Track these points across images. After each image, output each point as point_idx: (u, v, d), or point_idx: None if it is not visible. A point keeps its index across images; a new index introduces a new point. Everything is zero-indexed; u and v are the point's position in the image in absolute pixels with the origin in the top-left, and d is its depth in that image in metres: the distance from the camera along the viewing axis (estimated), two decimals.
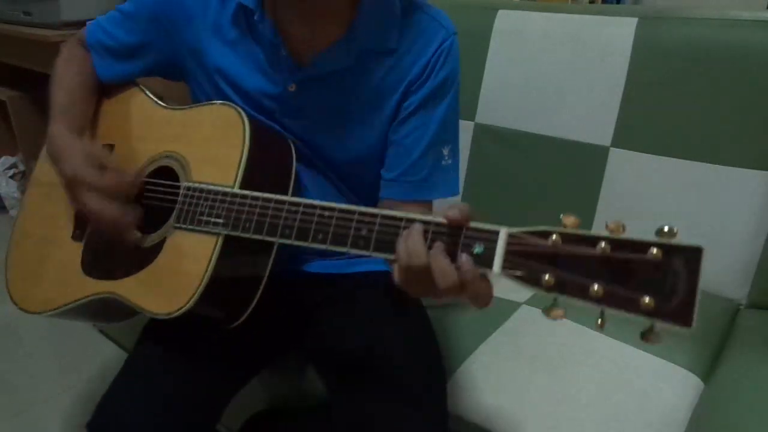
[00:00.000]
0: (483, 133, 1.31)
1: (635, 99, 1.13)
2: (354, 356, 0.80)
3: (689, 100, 1.08)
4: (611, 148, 1.16)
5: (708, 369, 0.90)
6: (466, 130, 1.32)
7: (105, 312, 0.82)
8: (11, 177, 2.31)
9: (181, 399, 0.76)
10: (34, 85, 1.92)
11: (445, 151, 0.82)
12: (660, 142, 1.11)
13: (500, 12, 1.29)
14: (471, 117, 1.32)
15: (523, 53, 1.25)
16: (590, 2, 2.49)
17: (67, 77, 0.86)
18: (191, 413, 0.77)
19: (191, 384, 0.78)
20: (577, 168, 1.20)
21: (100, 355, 1.58)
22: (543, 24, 1.24)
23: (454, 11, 1.34)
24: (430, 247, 0.54)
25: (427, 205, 0.84)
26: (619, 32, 1.15)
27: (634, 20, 1.13)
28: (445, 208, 0.55)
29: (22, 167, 2.32)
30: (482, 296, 0.54)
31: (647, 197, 1.14)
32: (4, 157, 2.34)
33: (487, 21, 1.29)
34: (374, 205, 0.84)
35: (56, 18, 1.80)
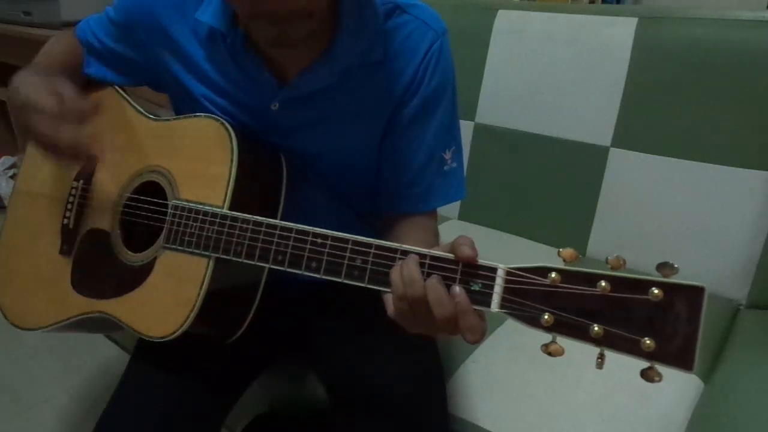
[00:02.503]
0: (483, 133, 1.31)
1: (635, 99, 1.13)
2: (353, 361, 0.79)
3: (689, 100, 1.08)
4: (611, 148, 1.16)
5: (708, 369, 0.90)
6: (466, 130, 1.32)
7: (101, 327, 0.82)
8: (11, 177, 2.31)
9: (179, 415, 0.76)
10: None
11: (447, 155, 0.78)
12: (660, 142, 1.11)
13: (500, 12, 1.29)
14: (471, 117, 1.32)
15: (523, 53, 1.25)
16: (590, 2, 2.49)
17: (54, 50, 0.83)
18: (191, 428, 0.77)
19: (188, 399, 0.77)
20: (577, 168, 1.20)
21: (100, 355, 1.58)
22: (543, 24, 1.24)
23: (454, 11, 1.35)
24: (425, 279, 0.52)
25: (433, 214, 0.81)
26: (619, 32, 1.15)
27: (634, 20, 1.13)
28: (451, 246, 0.53)
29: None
30: (476, 329, 0.51)
31: (647, 197, 1.14)
32: (4, 157, 2.34)
33: (487, 21, 1.29)
34: (373, 212, 0.83)
35: (56, 18, 1.80)
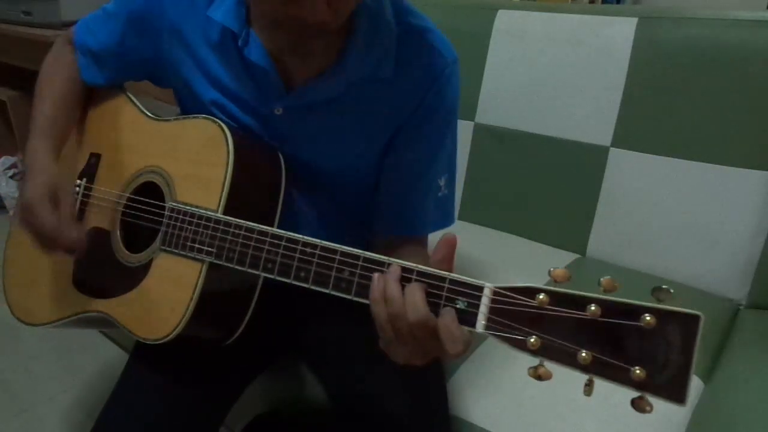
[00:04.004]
0: (483, 133, 1.31)
1: (635, 99, 1.13)
2: (353, 369, 0.79)
3: (689, 100, 1.08)
4: (611, 148, 1.16)
5: (708, 369, 0.90)
6: (466, 130, 1.32)
7: (104, 324, 0.82)
8: (11, 177, 2.31)
9: (178, 415, 0.76)
10: (34, 85, 1.92)
11: (442, 182, 0.78)
12: (660, 142, 1.11)
13: (500, 12, 1.29)
14: (471, 117, 1.32)
15: (523, 53, 1.25)
16: (590, 2, 2.49)
17: (54, 83, 0.83)
18: (190, 428, 0.77)
19: (187, 398, 0.77)
20: (577, 168, 1.20)
21: (100, 355, 1.58)
22: (543, 24, 1.24)
23: (454, 11, 1.35)
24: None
25: (423, 241, 0.81)
26: (619, 32, 1.15)
27: (634, 20, 1.13)
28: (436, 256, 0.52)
29: (22, 167, 2.32)
30: (457, 341, 0.49)
31: (647, 197, 1.14)
32: (4, 157, 2.34)
33: (487, 21, 1.29)
34: (371, 221, 0.82)
35: (56, 18, 1.80)
